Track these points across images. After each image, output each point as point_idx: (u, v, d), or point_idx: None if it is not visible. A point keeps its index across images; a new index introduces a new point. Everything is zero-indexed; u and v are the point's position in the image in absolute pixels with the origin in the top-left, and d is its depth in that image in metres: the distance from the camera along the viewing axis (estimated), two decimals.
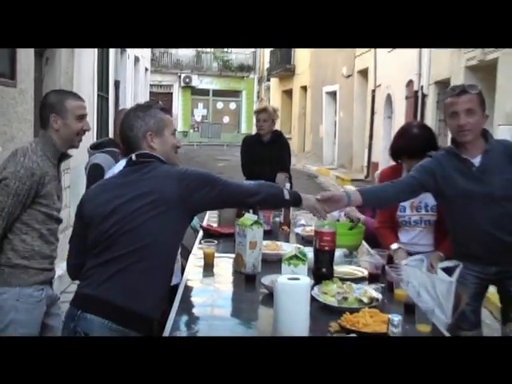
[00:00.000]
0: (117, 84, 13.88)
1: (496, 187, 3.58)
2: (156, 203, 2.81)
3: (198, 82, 36.53)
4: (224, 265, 3.92)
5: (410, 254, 4.01)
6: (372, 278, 3.60)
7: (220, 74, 37.36)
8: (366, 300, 3.09)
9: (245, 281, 3.57)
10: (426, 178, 3.71)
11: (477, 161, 3.64)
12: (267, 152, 6.65)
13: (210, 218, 5.33)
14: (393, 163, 4.44)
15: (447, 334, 2.92)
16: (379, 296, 3.17)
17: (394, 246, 4.06)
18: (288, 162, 6.90)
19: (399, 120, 16.16)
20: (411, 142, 4.09)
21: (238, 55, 37.10)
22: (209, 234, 4.63)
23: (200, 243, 4.39)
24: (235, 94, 38.11)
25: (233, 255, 3.86)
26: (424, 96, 14.13)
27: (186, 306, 3.16)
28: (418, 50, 14.15)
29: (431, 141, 4.14)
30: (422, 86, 14.23)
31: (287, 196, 3.22)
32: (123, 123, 3.06)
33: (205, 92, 37.37)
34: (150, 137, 2.98)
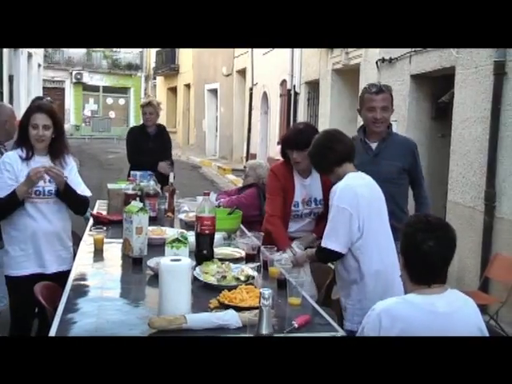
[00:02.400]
0: (11, 79, 13.35)
1: (383, 169, 3.93)
2: None
3: (88, 78, 35.66)
4: (113, 250, 3.88)
5: (292, 239, 4.11)
6: (248, 258, 3.67)
7: (109, 72, 36.60)
8: (242, 278, 3.14)
9: (132, 264, 3.55)
10: None
11: (374, 145, 4.09)
12: (152, 143, 6.69)
13: (100, 207, 5.26)
14: (267, 155, 4.55)
15: (316, 306, 3.01)
16: (255, 274, 3.24)
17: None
18: (170, 153, 6.97)
19: (275, 115, 16.45)
20: (299, 135, 4.16)
21: (126, 54, 36.47)
22: (99, 221, 4.57)
23: (90, 230, 4.33)
24: (124, 90, 37.47)
25: (121, 240, 3.83)
26: (296, 94, 14.38)
27: (77, 289, 3.11)
28: (290, 52, 14.38)
29: (316, 134, 4.24)
30: (294, 86, 14.47)
31: None
32: None
33: (95, 88, 36.52)
34: None
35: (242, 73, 20.32)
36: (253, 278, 3.17)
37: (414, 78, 8.38)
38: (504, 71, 6.18)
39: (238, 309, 2.68)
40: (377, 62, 9.41)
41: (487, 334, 2.43)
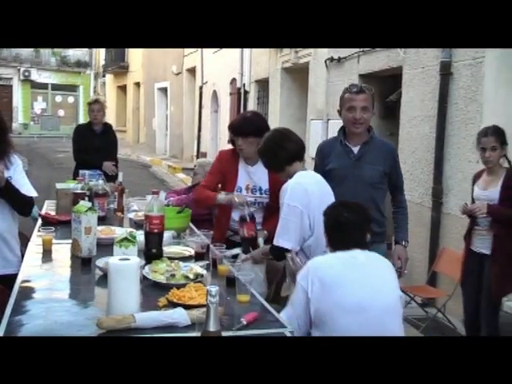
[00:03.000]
0: None
1: (366, 173, 3.92)
2: None
3: (37, 75, 34.98)
4: (62, 250, 3.82)
5: None
6: (198, 257, 3.67)
7: (58, 69, 35.99)
8: (191, 276, 3.15)
9: (81, 264, 3.50)
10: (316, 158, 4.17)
11: (356, 149, 3.99)
12: (98, 142, 6.69)
13: (48, 207, 5.19)
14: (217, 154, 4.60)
15: (265, 303, 3.04)
16: (204, 272, 3.25)
17: (221, 196, 4.22)
18: (115, 152, 6.95)
19: (225, 114, 16.45)
20: (243, 123, 4.25)
21: (75, 51, 35.86)
22: (47, 221, 4.50)
23: (38, 231, 4.27)
24: (73, 88, 36.89)
25: (70, 241, 3.79)
26: (246, 93, 14.42)
27: (25, 291, 3.05)
28: (240, 51, 14.41)
29: (262, 123, 4.32)
30: (244, 84, 14.51)
31: None
32: None
33: (44, 86, 35.85)
34: None
35: (192, 71, 20.26)
36: (202, 276, 3.18)
37: (363, 77, 8.49)
38: (450, 71, 6.34)
39: (187, 307, 2.68)
40: (326, 61, 9.51)
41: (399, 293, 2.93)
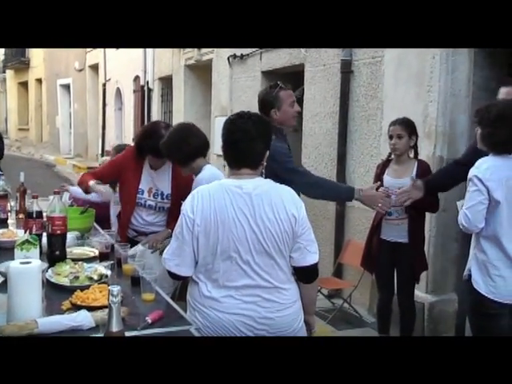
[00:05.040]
0: None
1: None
2: None
3: None
4: None
5: (145, 234, 4.20)
6: (102, 257, 3.60)
7: None
8: (96, 277, 3.08)
9: None
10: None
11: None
12: None
13: None
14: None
15: (170, 301, 3.01)
16: (108, 272, 3.19)
17: (92, 182, 4.18)
18: (3, 149, 6.89)
19: (129, 112, 16.25)
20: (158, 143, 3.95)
21: None
22: None
23: None
24: None
25: None
26: (150, 90, 14.29)
27: None
28: (143, 48, 14.24)
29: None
30: (147, 82, 14.37)
31: None
32: None
33: None
34: None
35: (95, 68, 19.89)
36: (106, 276, 3.13)
37: (265, 74, 8.58)
38: (350, 69, 6.51)
39: (91, 308, 2.63)
40: (228, 58, 9.53)
41: (297, 217, 2.79)
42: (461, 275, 5.17)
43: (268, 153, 2.84)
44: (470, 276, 3.48)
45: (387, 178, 4.73)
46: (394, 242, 4.74)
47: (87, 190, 4.24)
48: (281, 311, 2.79)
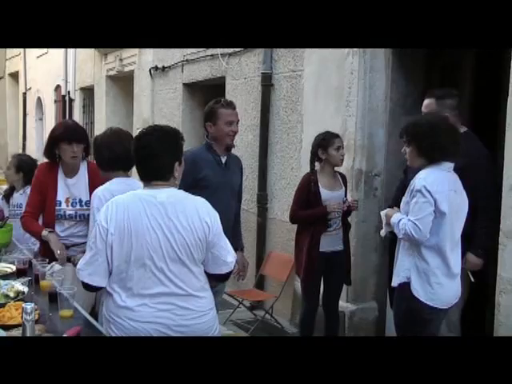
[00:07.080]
0: None
1: (234, 182, 4.30)
2: None
3: None
4: None
5: (66, 246, 3.99)
6: (20, 273, 3.52)
7: None
8: (12, 294, 3.02)
9: None
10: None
11: (224, 158, 4.26)
12: None
13: None
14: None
15: (88, 316, 2.97)
16: (25, 289, 3.12)
17: (45, 232, 3.96)
18: None
19: (50, 122, 15.83)
20: (77, 129, 4.23)
21: None
22: None
23: None
24: None
25: None
26: (71, 100, 14.01)
27: None
28: (63, 57, 13.95)
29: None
30: (68, 92, 14.08)
31: None
32: None
33: None
34: None
35: (15, 76, 19.36)
36: (23, 293, 3.06)
37: (187, 86, 8.59)
38: (271, 83, 6.57)
39: (7, 327, 2.56)
40: (150, 70, 9.48)
41: (211, 226, 2.82)
42: (381, 284, 5.36)
43: (180, 163, 2.88)
44: (404, 284, 3.54)
45: (324, 192, 4.80)
46: (331, 251, 4.84)
47: (41, 239, 4.04)
48: (196, 319, 2.81)
